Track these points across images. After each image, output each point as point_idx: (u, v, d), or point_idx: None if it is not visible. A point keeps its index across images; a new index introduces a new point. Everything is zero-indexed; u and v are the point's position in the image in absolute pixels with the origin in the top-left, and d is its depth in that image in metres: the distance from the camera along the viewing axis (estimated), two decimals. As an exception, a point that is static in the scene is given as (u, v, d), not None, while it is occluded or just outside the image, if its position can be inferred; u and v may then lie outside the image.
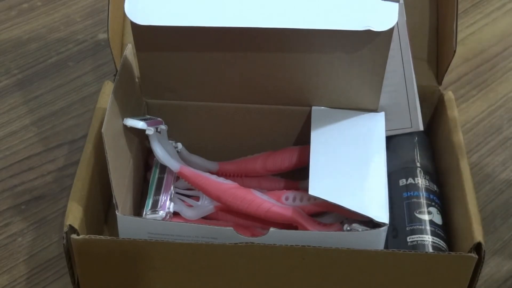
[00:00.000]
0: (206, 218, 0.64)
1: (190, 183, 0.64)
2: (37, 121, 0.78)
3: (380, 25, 0.58)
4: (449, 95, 0.70)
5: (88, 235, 0.57)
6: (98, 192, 0.64)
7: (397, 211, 0.63)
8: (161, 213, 0.62)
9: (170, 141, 0.65)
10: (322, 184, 0.59)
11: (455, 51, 0.67)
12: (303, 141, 0.67)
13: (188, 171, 0.63)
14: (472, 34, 0.90)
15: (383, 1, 0.59)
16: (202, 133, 0.69)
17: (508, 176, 0.74)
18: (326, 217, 0.63)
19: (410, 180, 0.65)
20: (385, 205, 0.58)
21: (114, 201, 0.58)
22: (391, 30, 0.58)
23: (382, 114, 0.65)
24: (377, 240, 0.58)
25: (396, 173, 0.66)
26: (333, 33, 0.59)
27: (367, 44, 0.60)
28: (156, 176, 0.65)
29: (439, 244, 0.61)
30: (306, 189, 0.59)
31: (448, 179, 0.65)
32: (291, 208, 0.61)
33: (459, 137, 0.66)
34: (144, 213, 0.62)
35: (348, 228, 0.59)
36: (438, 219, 0.63)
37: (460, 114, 0.69)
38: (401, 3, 0.61)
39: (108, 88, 0.69)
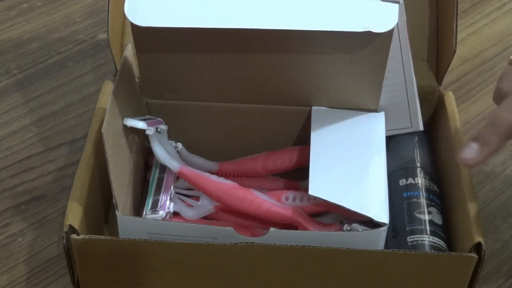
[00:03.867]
0: (206, 218, 0.64)
1: (190, 183, 0.64)
2: (37, 121, 0.78)
3: (380, 26, 0.58)
4: (449, 95, 0.70)
5: (88, 235, 0.57)
6: (98, 192, 0.64)
7: (397, 211, 0.63)
8: (161, 213, 0.62)
9: (170, 141, 0.65)
10: (322, 184, 0.59)
11: (455, 51, 0.67)
12: (303, 141, 0.67)
13: (188, 171, 0.63)
14: (472, 34, 0.90)
15: (383, 2, 0.59)
16: (202, 133, 0.69)
17: (508, 176, 0.74)
18: (326, 217, 0.63)
19: (410, 180, 0.65)
20: (385, 205, 0.58)
21: (114, 201, 0.58)
22: (391, 32, 0.58)
23: (382, 114, 0.65)
24: (377, 240, 0.58)
25: (396, 173, 0.66)
26: (333, 35, 0.59)
27: (367, 45, 0.60)
28: (156, 176, 0.65)
29: (439, 244, 0.61)
30: (306, 189, 0.59)
31: (448, 179, 0.65)
32: (291, 208, 0.61)
33: (459, 137, 0.66)
34: (144, 213, 0.62)
35: (348, 228, 0.59)
36: (438, 219, 0.63)
37: (460, 114, 0.69)
38: (401, 3, 0.61)
39: (108, 88, 0.69)
